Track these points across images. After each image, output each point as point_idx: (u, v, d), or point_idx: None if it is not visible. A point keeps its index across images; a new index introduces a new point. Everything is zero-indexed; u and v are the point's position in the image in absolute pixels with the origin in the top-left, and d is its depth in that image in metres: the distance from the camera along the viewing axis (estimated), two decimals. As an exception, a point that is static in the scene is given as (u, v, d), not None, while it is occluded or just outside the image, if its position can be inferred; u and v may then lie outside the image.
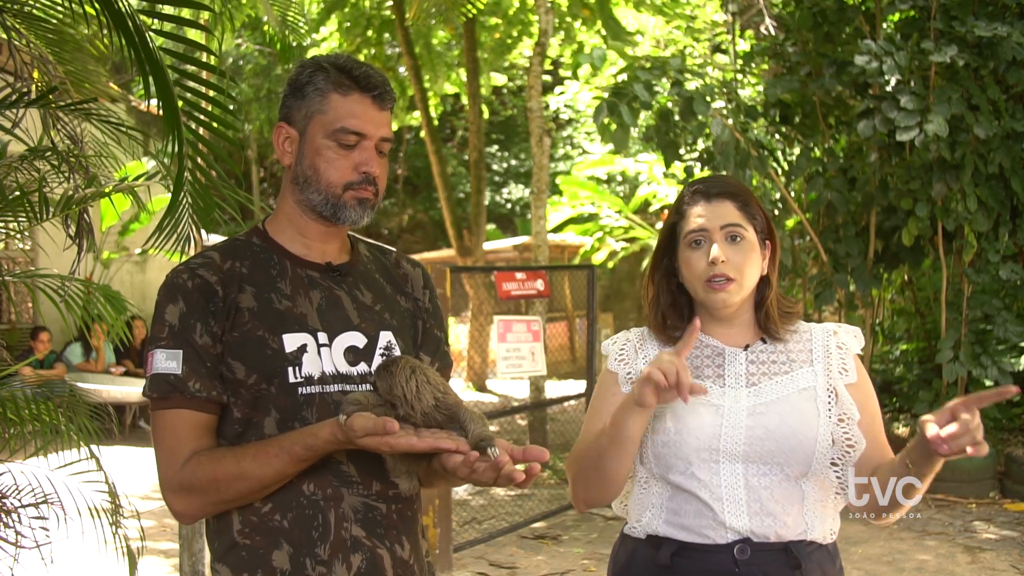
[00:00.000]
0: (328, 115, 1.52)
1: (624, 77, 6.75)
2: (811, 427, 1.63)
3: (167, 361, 1.46)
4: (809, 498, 1.64)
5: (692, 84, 6.71)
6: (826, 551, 1.67)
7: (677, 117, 6.71)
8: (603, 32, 11.60)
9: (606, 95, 6.53)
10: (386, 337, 1.58)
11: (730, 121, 6.51)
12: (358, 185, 1.54)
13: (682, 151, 7.22)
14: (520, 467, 1.35)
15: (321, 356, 1.51)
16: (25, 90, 2.70)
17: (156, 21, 2.29)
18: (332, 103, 1.53)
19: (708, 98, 6.45)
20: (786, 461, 1.62)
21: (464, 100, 15.05)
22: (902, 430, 7.28)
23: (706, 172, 7.33)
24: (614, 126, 6.41)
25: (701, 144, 7.32)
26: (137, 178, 3.16)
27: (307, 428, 1.42)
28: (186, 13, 2.57)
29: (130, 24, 1.81)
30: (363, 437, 1.33)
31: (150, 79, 1.83)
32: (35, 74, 2.65)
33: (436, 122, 13.61)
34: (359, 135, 1.53)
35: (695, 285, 1.68)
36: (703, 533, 1.62)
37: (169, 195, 2.26)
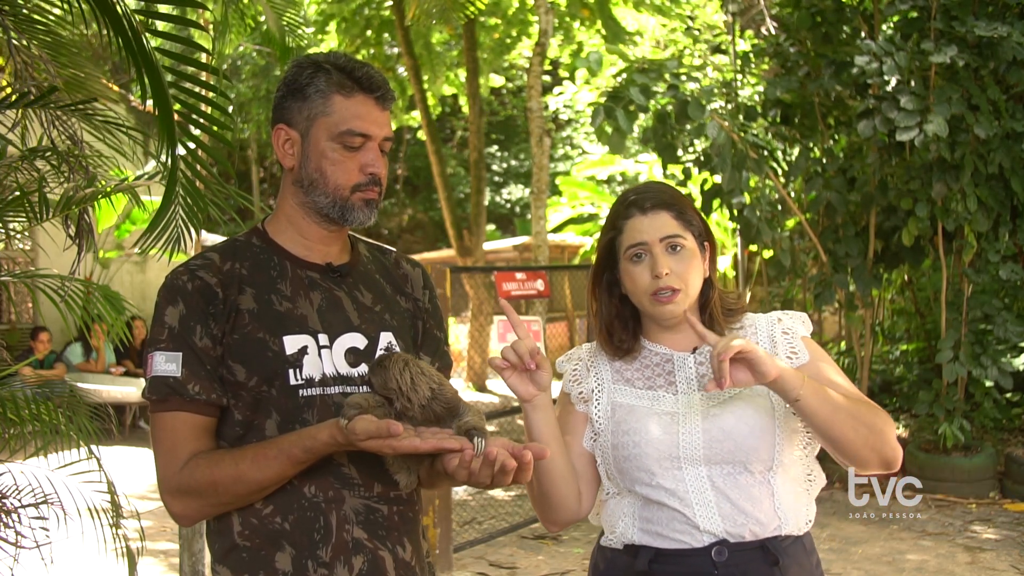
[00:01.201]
0: (332, 117, 1.52)
1: (623, 78, 6.75)
2: (768, 421, 1.63)
3: (166, 363, 1.46)
4: (779, 491, 1.63)
5: (690, 85, 6.70)
6: (801, 544, 1.65)
7: (674, 120, 6.71)
8: (603, 32, 11.60)
9: (603, 99, 6.53)
10: (386, 338, 1.57)
11: (727, 123, 6.51)
12: (365, 186, 1.54)
13: (680, 153, 7.23)
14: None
15: (322, 358, 1.51)
16: (25, 90, 2.70)
17: (153, 21, 2.28)
18: (335, 105, 1.52)
19: (705, 101, 6.45)
20: (748, 459, 1.61)
21: (462, 101, 15.05)
22: (902, 430, 7.27)
23: (704, 174, 7.33)
24: (611, 129, 6.41)
25: (699, 146, 7.32)
26: (138, 178, 3.16)
27: (306, 430, 1.42)
28: (190, 14, 2.56)
29: (126, 25, 1.80)
30: (365, 440, 1.32)
31: (145, 79, 1.83)
32: (6, 81, 2.64)
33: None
34: (364, 136, 1.52)
35: (641, 299, 1.68)
36: (678, 539, 1.61)
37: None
